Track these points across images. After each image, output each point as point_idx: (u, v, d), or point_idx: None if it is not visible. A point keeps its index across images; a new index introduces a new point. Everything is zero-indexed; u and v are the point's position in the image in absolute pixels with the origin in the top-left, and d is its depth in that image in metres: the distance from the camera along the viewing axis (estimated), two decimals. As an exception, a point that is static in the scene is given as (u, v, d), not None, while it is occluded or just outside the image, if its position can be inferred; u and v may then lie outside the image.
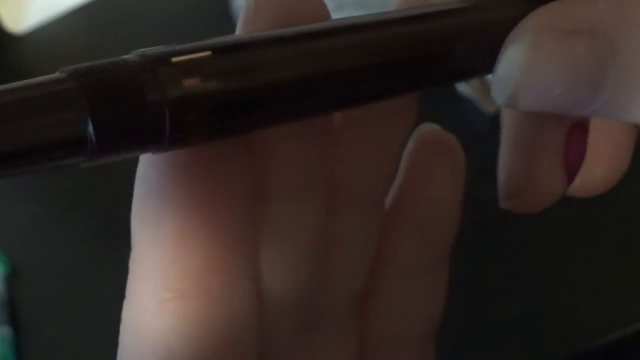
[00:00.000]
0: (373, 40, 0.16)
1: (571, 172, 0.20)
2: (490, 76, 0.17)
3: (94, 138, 0.13)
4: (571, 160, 0.20)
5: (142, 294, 0.16)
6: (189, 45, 0.14)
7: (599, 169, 0.20)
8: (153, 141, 0.14)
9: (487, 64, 0.17)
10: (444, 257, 0.21)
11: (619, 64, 0.15)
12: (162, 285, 0.16)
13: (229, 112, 0.14)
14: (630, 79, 0.15)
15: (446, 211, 0.20)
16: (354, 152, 0.18)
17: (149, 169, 0.16)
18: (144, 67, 0.13)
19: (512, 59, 0.16)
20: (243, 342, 0.17)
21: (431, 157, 0.20)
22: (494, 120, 0.42)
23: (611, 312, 0.34)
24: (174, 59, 0.14)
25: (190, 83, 0.14)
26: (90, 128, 0.13)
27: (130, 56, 0.14)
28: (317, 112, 0.16)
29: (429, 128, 0.20)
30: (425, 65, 0.17)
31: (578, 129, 0.20)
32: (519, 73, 0.16)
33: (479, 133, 0.42)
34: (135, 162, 0.16)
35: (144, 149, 0.14)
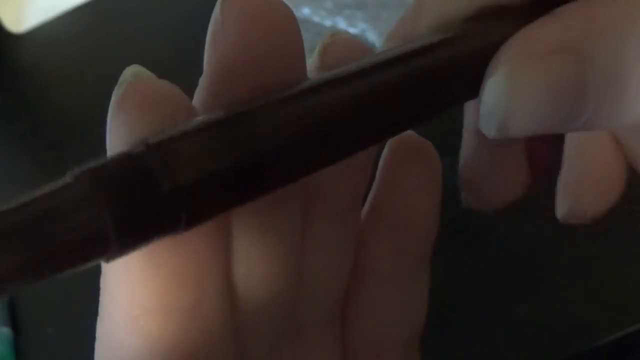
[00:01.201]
0: (366, 88, 0.16)
1: (535, 170, 0.20)
2: None
3: (114, 238, 0.13)
4: (535, 159, 0.20)
5: (113, 312, 0.16)
6: (190, 126, 0.14)
7: (589, 195, 0.20)
8: (171, 229, 0.14)
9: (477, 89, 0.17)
10: (423, 263, 0.21)
11: (596, 74, 0.15)
12: (132, 303, 0.16)
13: (240, 184, 0.14)
14: (610, 87, 0.16)
15: (422, 217, 0.20)
16: None
17: None
18: (150, 158, 0.13)
19: (493, 92, 0.16)
20: (218, 355, 0.17)
21: (406, 164, 0.20)
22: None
23: (611, 313, 0.34)
24: (178, 145, 0.14)
25: (199, 164, 0.14)
26: (111, 229, 0.13)
27: (135, 147, 0.14)
28: (326, 163, 0.16)
29: (405, 134, 0.20)
30: (422, 103, 0.17)
31: None
32: (502, 105, 0.16)
33: (479, 133, 0.42)
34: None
35: (163, 237, 0.14)
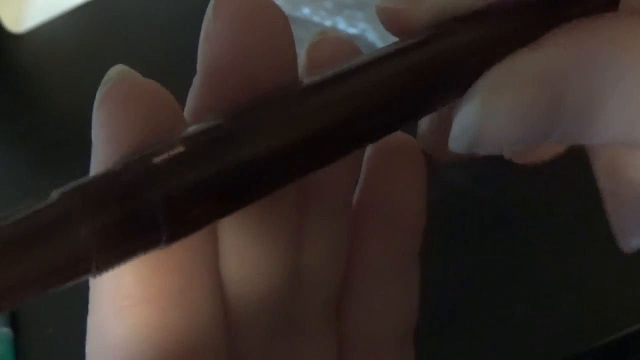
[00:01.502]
0: (354, 92, 0.16)
1: None
2: None
3: (97, 257, 0.13)
4: None
5: (101, 302, 0.16)
6: (167, 141, 0.14)
7: None
8: (153, 244, 0.14)
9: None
10: (411, 258, 0.21)
11: (570, 105, 0.16)
12: (119, 292, 0.16)
13: (223, 198, 0.14)
14: (583, 116, 0.16)
15: (410, 212, 0.20)
16: None
17: None
18: (130, 175, 0.14)
19: (466, 118, 0.16)
20: (208, 346, 0.17)
21: (390, 159, 0.20)
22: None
23: (611, 313, 0.34)
24: (157, 161, 0.14)
25: (178, 180, 0.14)
26: (93, 249, 0.13)
27: (116, 164, 0.14)
28: (313, 169, 0.16)
29: None
30: (414, 103, 0.16)
31: None
32: (473, 131, 0.16)
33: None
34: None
35: (146, 252, 0.14)
